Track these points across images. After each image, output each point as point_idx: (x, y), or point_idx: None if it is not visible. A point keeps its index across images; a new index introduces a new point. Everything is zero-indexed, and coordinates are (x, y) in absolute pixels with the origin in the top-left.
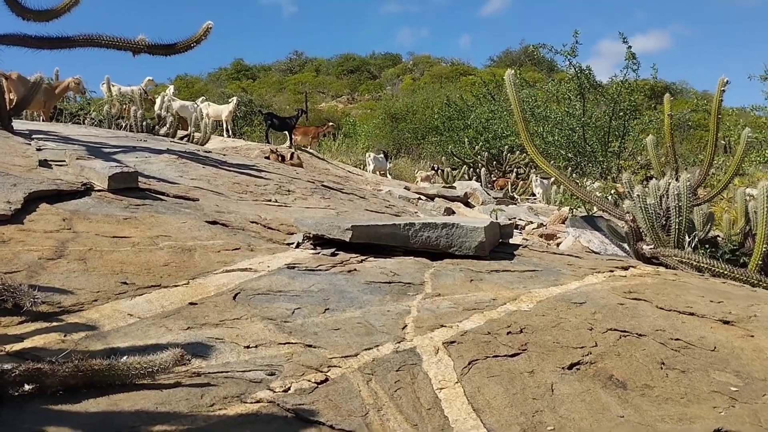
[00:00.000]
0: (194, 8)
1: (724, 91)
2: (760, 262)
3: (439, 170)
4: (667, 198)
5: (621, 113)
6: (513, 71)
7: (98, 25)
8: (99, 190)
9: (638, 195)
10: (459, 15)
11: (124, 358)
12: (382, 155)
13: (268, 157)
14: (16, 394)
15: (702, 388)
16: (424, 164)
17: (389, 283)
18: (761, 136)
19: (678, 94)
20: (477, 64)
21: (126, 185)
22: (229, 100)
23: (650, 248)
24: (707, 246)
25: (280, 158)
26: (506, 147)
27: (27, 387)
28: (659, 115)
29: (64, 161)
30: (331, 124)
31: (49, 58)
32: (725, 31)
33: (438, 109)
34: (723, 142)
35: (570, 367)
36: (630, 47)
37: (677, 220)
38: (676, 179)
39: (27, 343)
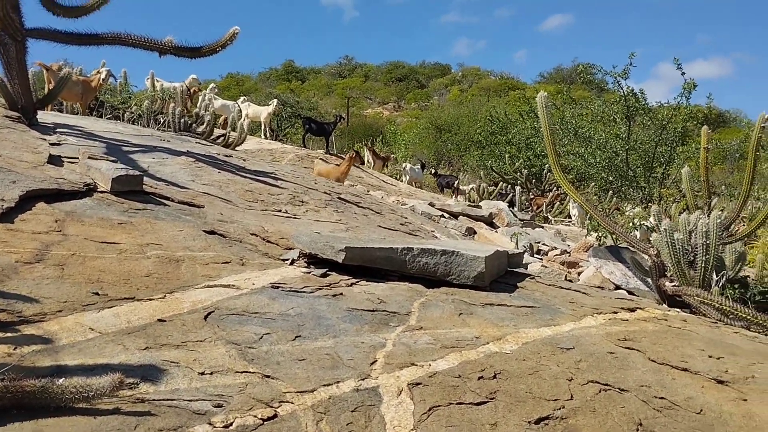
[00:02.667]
0: (255, 6)
1: (764, 127)
2: None
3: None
4: (696, 234)
5: (669, 139)
6: (546, 93)
7: (154, 18)
8: (101, 192)
9: (665, 229)
10: (518, 29)
11: (62, 380)
12: (419, 166)
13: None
14: None
15: None
16: (463, 178)
17: (373, 311)
18: None
19: (731, 123)
20: (527, 80)
21: (130, 188)
22: (269, 102)
23: (673, 285)
24: (736, 286)
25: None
26: (547, 166)
27: None
28: (711, 143)
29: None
30: (393, 156)
31: (97, 52)
32: None
33: (481, 124)
34: None
35: (537, 422)
36: (684, 73)
37: (704, 258)
38: (708, 215)
39: None
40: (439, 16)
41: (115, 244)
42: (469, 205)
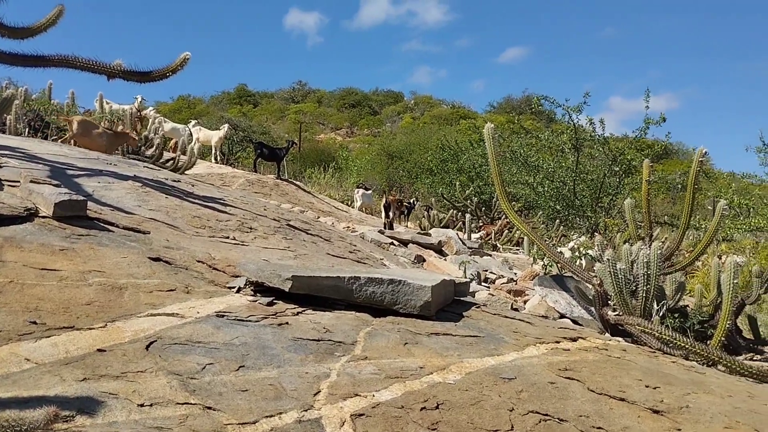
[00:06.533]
0: (215, 28)
1: (702, 161)
2: (723, 339)
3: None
4: (638, 264)
5: (618, 170)
6: (492, 125)
7: (106, 41)
8: (43, 217)
9: (608, 258)
10: (478, 59)
11: None
12: (371, 191)
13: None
14: None
15: None
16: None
17: (318, 340)
18: (750, 203)
19: (674, 155)
20: (478, 109)
21: (73, 213)
22: (221, 126)
23: (615, 315)
24: (676, 315)
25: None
26: (497, 194)
27: None
28: (653, 176)
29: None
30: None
31: (44, 73)
32: (737, 98)
33: (432, 151)
34: (710, 207)
35: None
36: (648, 107)
37: (645, 287)
38: (649, 245)
39: None
40: (401, 44)
41: (56, 270)
42: (418, 233)
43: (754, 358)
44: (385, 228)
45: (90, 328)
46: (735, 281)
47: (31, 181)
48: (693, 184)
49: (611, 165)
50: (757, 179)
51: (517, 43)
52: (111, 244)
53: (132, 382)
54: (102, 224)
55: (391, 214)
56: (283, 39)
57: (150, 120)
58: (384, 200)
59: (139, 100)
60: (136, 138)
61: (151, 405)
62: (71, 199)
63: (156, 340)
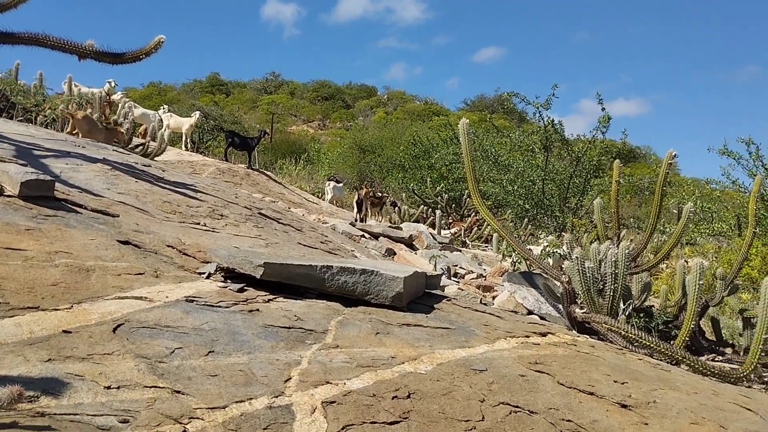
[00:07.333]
0: (189, 16)
1: (671, 164)
2: (687, 339)
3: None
4: (606, 263)
5: (583, 171)
6: (467, 121)
7: (82, 25)
8: (9, 196)
9: (577, 257)
10: (453, 58)
11: None
12: (342, 184)
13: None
14: None
15: None
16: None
17: (289, 328)
18: (713, 208)
19: (641, 158)
20: (450, 106)
21: (40, 193)
22: (192, 114)
23: (582, 312)
24: (642, 315)
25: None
26: (467, 191)
27: None
28: (621, 178)
29: None
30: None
31: (11, 51)
32: (704, 105)
33: (404, 147)
34: (675, 211)
35: None
36: (604, 108)
37: (612, 286)
38: (617, 245)
39: None
40: (378, 40)
41: (21, 250)
42: (389, 227)
43: (716, 359)
44: (356, 221)
45: (55, 309)
46: (700, 282)
47: None
48: (662, 185)
49: (576, 165)
50: (719, 184)
51: (493, 43)
52: (79, 225)
53: (98, 365)
54: (70, 205)
55: (363, 209)
56: (259, 30)
57: (119, 105)
58: (356, 196)
59: (112, 84)
60: (125, 134)
61: (118, 387)
62: (38, 179)
63: (123, 323)
